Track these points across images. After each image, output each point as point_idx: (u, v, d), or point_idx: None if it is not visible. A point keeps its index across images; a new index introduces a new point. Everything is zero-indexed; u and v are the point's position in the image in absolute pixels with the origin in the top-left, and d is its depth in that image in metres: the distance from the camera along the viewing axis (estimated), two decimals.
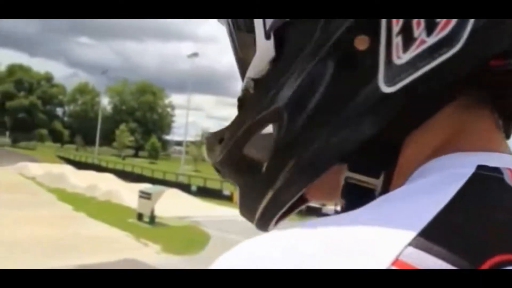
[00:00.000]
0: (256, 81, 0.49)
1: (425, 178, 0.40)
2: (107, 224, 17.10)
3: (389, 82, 0.39)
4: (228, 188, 34.17)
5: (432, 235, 0.32)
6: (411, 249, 0.31)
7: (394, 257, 0.31)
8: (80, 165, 49.74)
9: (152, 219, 18.24)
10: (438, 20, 0.38)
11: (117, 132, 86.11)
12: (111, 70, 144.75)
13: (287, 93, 0.43)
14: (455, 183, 0.36)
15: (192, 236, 16.87)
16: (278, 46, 0.45)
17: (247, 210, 0.53)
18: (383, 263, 0.31)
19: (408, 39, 0.39)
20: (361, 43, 0.40)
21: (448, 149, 0.42)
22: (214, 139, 0.53)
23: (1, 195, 19.94)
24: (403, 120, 0.41)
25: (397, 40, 0.39)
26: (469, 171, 0.38)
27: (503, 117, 0.45)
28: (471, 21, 0.38)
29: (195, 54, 64.71)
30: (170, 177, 41.72)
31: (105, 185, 27.75)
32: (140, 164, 56.06)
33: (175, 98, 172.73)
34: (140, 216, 18.70)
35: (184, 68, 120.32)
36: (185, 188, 34.20)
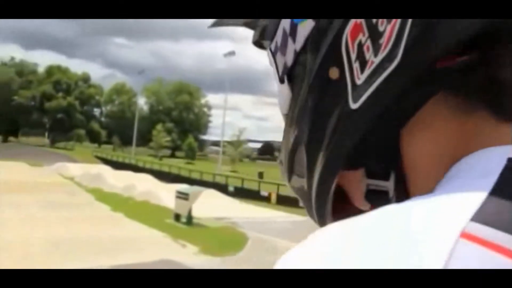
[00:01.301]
0: (285, 116, 0.61)
1: (461, 174, 0.45)
2: (145, 224, 17.07)
3: (355, 100, 0.48)
4: (266, 189, 33.98)
5: (486, 214, 0.37)
6: (473, 223, 0.36)
7: (461, 230, 0.35)
8: (117, 165, 50.19)
9: (190, 220, 18.12)
10: (381, 41, 0.45)
11: (154, 132, 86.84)
12: (147, 70, 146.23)
13: (303, 129, 0.55)
14: (492, 175, 0.40)
15: (229, 237, 16.67)
16: (292, 86, 0.57)
17: (311, 216, 0.61)
18: (453, 236, 0.35)
19: (363, 63, 0.47)
20: (334, 73, 0.50)
21: (465, 149, 0.47)
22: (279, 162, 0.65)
23: (42, 195, 20.18)
24: (385, 126, 0.48)
25: (356, 65, 0.48)
26: (501, 164, 0.42)
27: (498, 107, 0.48)
28: (405, 36, 0.44)
29: (232, 53, 64.77)
30: (207, 178, 41.66)
31: (142, 185, 27.85)
32: (177, 165, 56.29)
33: (212, 98, 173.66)
34: (177, 217, 18.61)
35: (221, 68, 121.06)
36: (222, 188, 34.09)
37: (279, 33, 0.56)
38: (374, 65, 0.46)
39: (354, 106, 0.48)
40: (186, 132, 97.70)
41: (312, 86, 0.52)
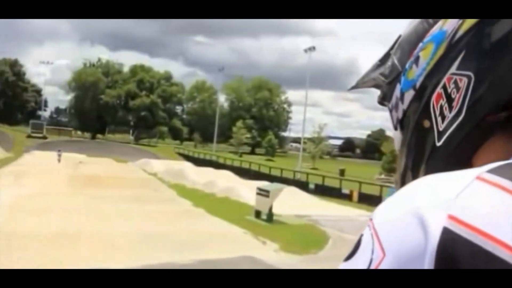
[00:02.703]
0: (398, 151, 0.86)
1: None
2: (225, 220, 17.14)
3: (439, 140, 0.73)
4: (347, 186, 33.42)
5: (502, 170, 0.55)
6: (489, 173, 0.54)
7: (477, 175, 0.54)
8: (199, 162, 51.07)
9: (270, 217, 18.04)
10: (453, 104, 0.70)
11: (234, 129, 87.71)
12: (227, 67, 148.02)
13: (409, 159, 0.81)
14: None
15: (310, 236, 16.44)
16: (402, 131, 0.83)
17: None
18: (471, 176, 0.54)
19: (442, 117, 0.73)
20: (426, 124, 0.75)
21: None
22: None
23: (127, 190, 20.73)
24: (461, 154, 0.72)
25: (439, 119, 0.73)
26: None
27: None
28: (466, 102, 0.69)
29: (312, 48, 64.25)
30: (287, 175, 41.49)
31: (223, 181, 28.13)
32: (257, 161, 56.59)
33: (292, 94, 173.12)
34: (257, 213, 18.59)
35: (301, 63, 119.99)
36: (302, 186, 33.89)
37: (394, 98, 0.83)
38: (449, 119, 0.71)
39: (438, 144, 0.73)
40: (266, 128, 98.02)
41: (414, 132, 0.79)
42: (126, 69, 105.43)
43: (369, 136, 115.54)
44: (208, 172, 34.87)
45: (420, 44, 0.78)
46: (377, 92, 0.92)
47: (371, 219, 0.59)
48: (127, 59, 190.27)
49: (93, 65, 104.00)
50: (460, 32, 0.71)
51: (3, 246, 10.95)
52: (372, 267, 0.56)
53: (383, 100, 0.89)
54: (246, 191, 23.98)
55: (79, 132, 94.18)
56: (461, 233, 0.51)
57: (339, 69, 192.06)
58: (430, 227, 0.52)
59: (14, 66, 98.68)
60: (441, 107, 0.73)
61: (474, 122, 0.69)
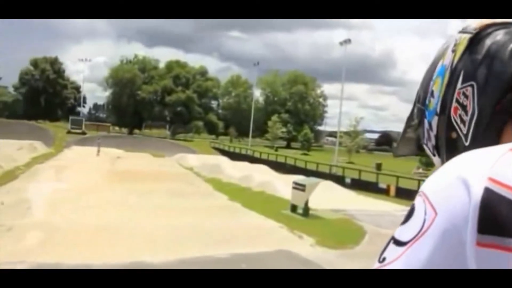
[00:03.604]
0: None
1: None
2: (262, 214, 17.17)
3: (466, 140, 0.89)
4: (384, 181, 33.06)
5: None
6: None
7: (510, 147, 0.69)
8: (234, 156, 51.22)
9: (306, 211, 17.99)
10: (467, 109, 0.88)
11: (270, 123, 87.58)
12: (262, 62, 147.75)
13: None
14: None
15: (346, 230, 16.34)
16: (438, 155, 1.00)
17: None
18: (505, 149, 0.69)
19: (463, 122, 0.90)
20: (453, 135, 0.92)
21: None
22: None
23: (164, 184, 20.96)
24: (487, 145, 0.79)
25: (461, 125, 0.90)
26: None
27: None
28: (476, 104, 0.87)
29: (347, 41, 63.54)
30: (323, 169, 41.29)
31: (259, 175, 28.18)
32: (292, 155, 56.48)
33: (327, 88, 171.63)
34: (294, 208, 18.57)
35: (336, 56, 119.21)
36: (339, 180, 33.68)
37: (425, 132, 1.02)
38: (468, 121, 0.89)
39: (467, 143, 0.89)
40: (301, 122, 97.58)
41: (448, 146, 0.94)
42: (162, 65, 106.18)
43: None
44: (244, 166, 34.99)
45: (430, 83, 0.98)
46: (414, 84, 1.07)
47: (421, 190, 0.73)
48: (163, 55, 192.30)
49: (130, 61, 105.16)
50: (456, 60, 0.92)
51: (44, 240, 11.21)
52: (426, 226, 0.68)
53: (419, 140, 1.08)
54: (282, 185, 23.98)
55: (116, 128, 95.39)
56: (500, 192, 0.63)
57: (375, 62, 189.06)
58: (473, 188, 0.65)
59: (54, 64, 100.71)
60: (460, 115, 0.90)
61: (488, 114, 0.85)
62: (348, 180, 35.19)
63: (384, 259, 0.72)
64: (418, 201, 0.72)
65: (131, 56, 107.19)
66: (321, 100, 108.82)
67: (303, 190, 18.22)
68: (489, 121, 0.85)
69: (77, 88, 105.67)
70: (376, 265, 0.72)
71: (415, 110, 1.06)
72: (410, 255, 0.68)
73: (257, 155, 55.59)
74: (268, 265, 10.34)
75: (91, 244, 11.22)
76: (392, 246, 0.72)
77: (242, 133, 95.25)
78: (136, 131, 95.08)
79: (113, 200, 16.42)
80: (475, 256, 0.63)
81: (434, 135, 0.98)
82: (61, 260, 9.90)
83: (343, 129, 76.91)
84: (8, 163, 29.15)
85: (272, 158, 51.81)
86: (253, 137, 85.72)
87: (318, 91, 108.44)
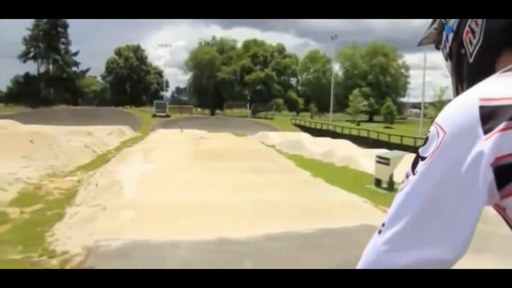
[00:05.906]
0: (450, 73, 1.25)
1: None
2: (345, 189, 17.07)
3: (470, 58, 1.11)
4: None
5: None
6: (506, 71, 0.97)
7: (500, 72, 0.97)
8: (315, 132, 51.03)
9: (391, 185, 17.68)
10: (476, 34, 1.09)
11: (350, 97, 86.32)
12: (340, 35, 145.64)
13: (455, 74, 1.21)
14: None
15: None
16: (450, 60, 1.23)
17: None
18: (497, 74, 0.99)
19: (471, 43, 1.11)
20: (462, 51, 1.16)
21: None
22: None
23: (247, 162, 21.24)
24: (486, 65, 1.06)
25: (469, 46, 1.12)
26: None
27: None
28: (483, 31, 1.07)
29: None
30: (408, 142, 40.30)
31: (341, 151, 27.92)
32: (375, 129, 55.49)
33: (409, 58, 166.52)
34: (378, 182, 18.31)
35: (417, 25, 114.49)
36: None
37: (443, 41, 1.24)
38: (474, 43, 1.09)
39: (471, 61, 1.11)
40: (383, 95, 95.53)
41: (456, 59, 1.17)
42: (239, 45, 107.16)
43: None
44: (326, 142, 34.73)
45: None
46: None
47: (434, 122, 0.94)
48: (240, 35, 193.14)
49: (208, 43, 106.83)
50: None
51: (135, 218, 11.71)
52: (439, 141, 0.90)
53: (438, 44, 1.30)
54: (365, 160, 23.65)
55: (199, 109, 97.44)
56: (492, 104, 0.87)
57: None
58: (472, 109, 0.88)
59: (137, 51, 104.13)
60: (469, 38, 1.11)
61: (489, 39, 1.06)
62: None
63: (416, 171, 0.95)
64: (432, 129, 0.94)
65: (209, 38, 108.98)
66: (403, 71, 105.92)
67: (388, 164, 17.91)
68: (491, 45, 1.06)
69: (160, 73, 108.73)
70: (410, 177, 0.97)
71: (438, 21, 1.28)
72: (434, 159, 0.90)
73: (338, 130, 55.02)
74: (352, 239, 10.28)
75: (180, 220, 11.59)
76: (418, 161, 0.94)
77: (323, 108, 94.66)
78: (218, 111, 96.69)
79: (199, 179, 16.84)
80: (488, 144, 0.84)
81: (448, 46, 1.21)
82: (152, 237, 10.34)
83: (428, 99, 74.72)
84: (100, 147, 30.65)
85: (354, 132, 51.18)
86: (334, 112, 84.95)
87: (400, 62, 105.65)
